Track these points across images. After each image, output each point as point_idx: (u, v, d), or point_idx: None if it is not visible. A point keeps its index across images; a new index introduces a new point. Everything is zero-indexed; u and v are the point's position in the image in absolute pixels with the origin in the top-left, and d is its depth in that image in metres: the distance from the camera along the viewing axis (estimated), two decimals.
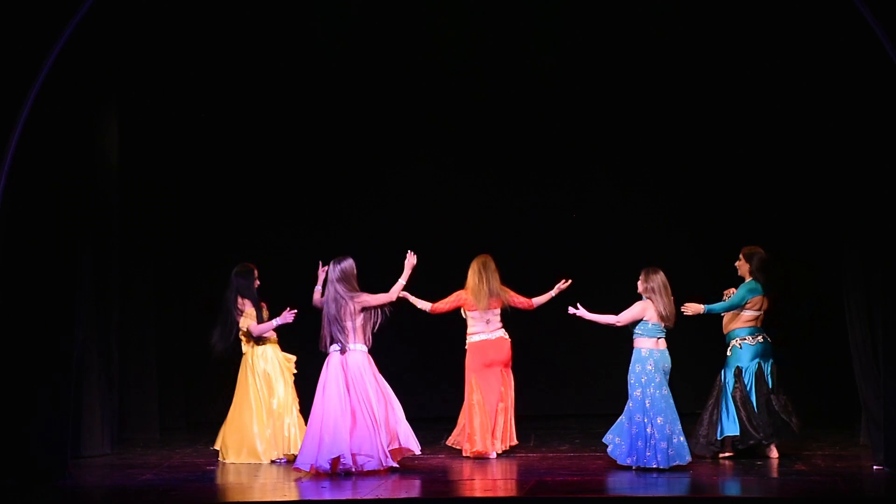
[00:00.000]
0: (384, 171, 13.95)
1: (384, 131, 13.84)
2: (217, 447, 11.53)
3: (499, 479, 10.66)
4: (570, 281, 11.37)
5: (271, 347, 11.56)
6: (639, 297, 10.75)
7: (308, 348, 11.14)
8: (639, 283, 10.74)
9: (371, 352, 10.81)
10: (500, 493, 10.17)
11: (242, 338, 11.54)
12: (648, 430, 10.60)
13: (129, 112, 12.51)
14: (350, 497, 9.83)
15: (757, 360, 11.17)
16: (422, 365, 13.55)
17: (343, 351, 10.71)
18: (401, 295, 11.31)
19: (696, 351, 12.03)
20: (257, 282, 11.58)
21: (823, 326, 13.11)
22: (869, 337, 11.01)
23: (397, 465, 10.73)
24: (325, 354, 10.78)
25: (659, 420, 10.59)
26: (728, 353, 11.23)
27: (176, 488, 10.27)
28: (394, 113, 13.76)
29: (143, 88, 12.69)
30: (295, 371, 11.59)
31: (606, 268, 13.00)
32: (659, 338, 10.73)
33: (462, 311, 11.58)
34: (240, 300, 11.47)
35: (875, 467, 10.53)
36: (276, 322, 11.35)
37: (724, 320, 11.29)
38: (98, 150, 11.88)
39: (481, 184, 13.96)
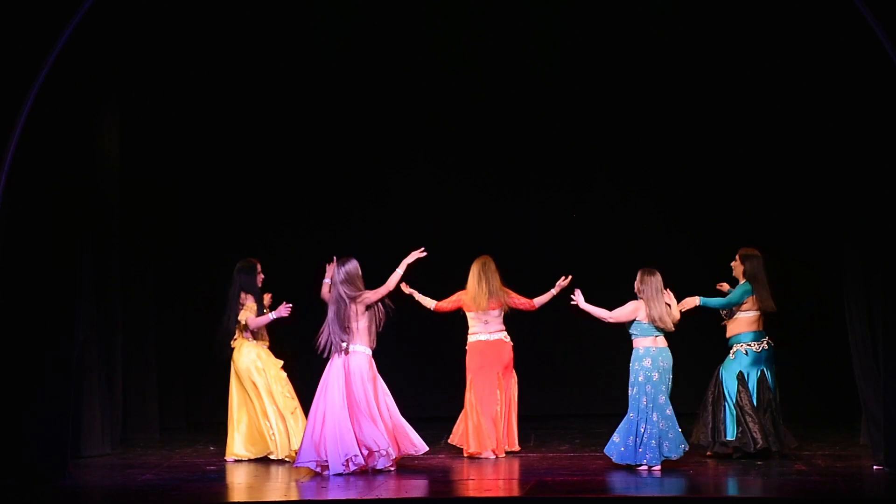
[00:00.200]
0: (384, 171, 13.95)
1: (384, 131, 13.84)
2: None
3: (499, 479, 10.66)
4: (570, 277, 11.37)
5: (256, 347, 11.52)
6: (635, 297, 10.77)
7: (308, 349, 11.16)
8: (635, 282, 10.76)
9: (373, 352, 10.81)
10: (500, 493, 10.17)
11: (238, 333, 11.52)
12: (642, 428, 10.61)
13: (129, 112, 12.50)
14: (350, 497, 9.82)
15: (760, 366, 11.17)
16: (422, 365, 13.56)
17: (346, 352, 10.70)
18: (407, 292, 11.35)
19: (697, 351, 12.02)
20: (261, 276, 11.59)
21: (823, 326, 13.10)
22: (869, 337, 11.00)
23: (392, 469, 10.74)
24: (324, 356, 10.76)
25: (654, 416, 10.60)
26: (731, 356, 11.22)
27: (176, 488, 10.27)
28: (394, 113, 13.76)
29: (143, 88, 12.69)
30: (283, 376, 11.55)
31: (606, 268, 13.00)
32: (656, 336, 10.74)
33: (463, 311, 11.59)
34: (242, 295, 11.48)
35: (875, 467, 10.53)
36: (272, 315, 11.35)
37: (728, 325, 11.27)
38: (98, 150, 11.88)
39: (481, 184, 13.96)
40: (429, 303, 11.64)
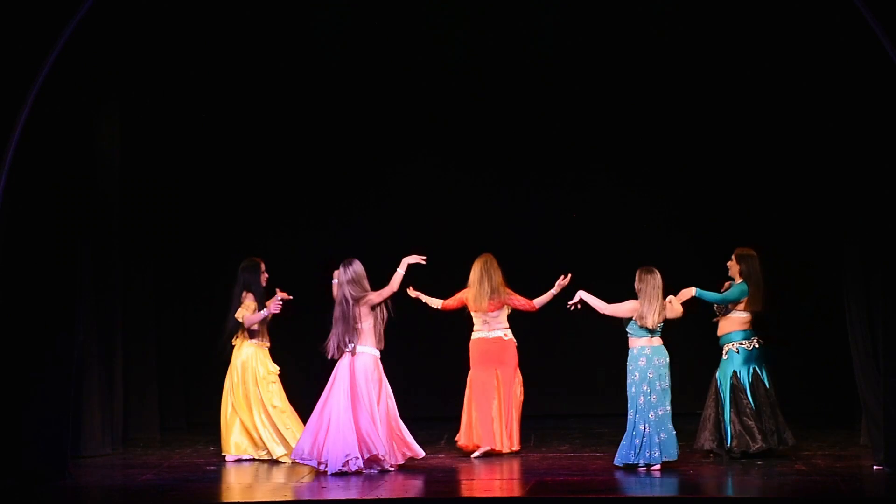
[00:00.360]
0: (384, 171, 13.95)
1: (384, 131, 13.84)
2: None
3: (499, 479, 10.66)
4: (569, 276, 11.37)
5: (255, 349, 11.52)
6: (635, 296, 10.78)
7: (308, 348, 11.15)
8: (635, 282, 10.77)
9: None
10: (500, 493, 10.17)
11: (240, 331, 11.52)
12: (642, 427, 10.62)
13: (129, 112, 12.50)
14: (350, 497, 9.82)
15: (752, 364, 11.18)
16: (423, 365, 13.54)
17: (352, 353, 10.70)
18: (414, 296, 11.37)
19: (696, 351, 12.01)
20: (265, 275, 11.59)
21: (823, 326, 13.10)
22: (869, 337, 11.01)
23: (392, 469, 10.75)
24: (331, 358, 10.77)
25: (651, 416, 10.61)
26: (724, 357, 11.24)
27: (176, 488, 10.27)
28: (394, 112, 13.76)
29: (144, 88, 12.69)
30: (273, 380, 11.54)
31: (606, 268, 12.98)
32: (652, 336, 10.74)
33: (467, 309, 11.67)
34: (243, 294, 11.48)
35: (875, 467, 10.53)
36: (263, 313, 11.36)
37: (720, 324, 11.29)
38: (98, 150, 11.88)
39: (481, 184, 13.95)
40: (436, 303, 11.72)
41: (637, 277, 10.76)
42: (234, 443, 11.49)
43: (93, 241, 11.68)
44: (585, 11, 13.19)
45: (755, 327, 11.24)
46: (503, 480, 10.65)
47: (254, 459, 11.46)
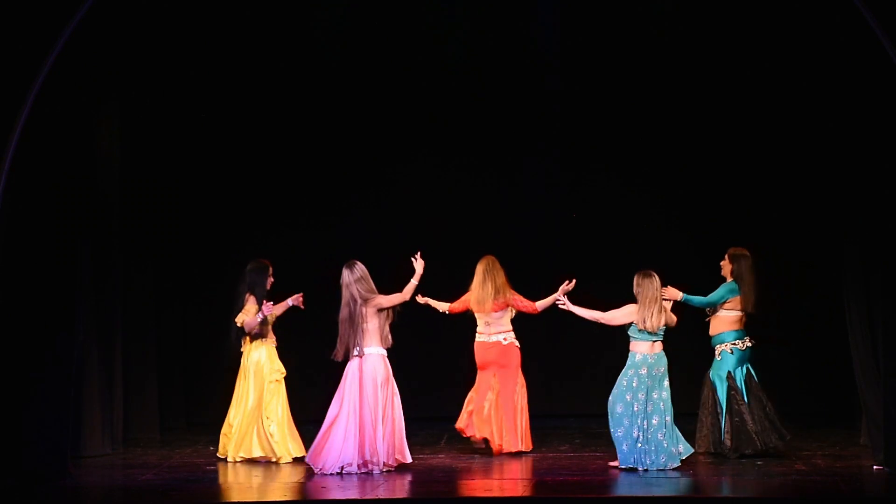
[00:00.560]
0: (384, 171, 13.94)
1: (384, 131, 13.83)
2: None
3: (499, 479, 10.66)
4: (573, 282, 11.36)
5: (265, 348, 11.51)
6: (635, 299, 10.78)
7: (307, 349, 11.15)
8: (633, 286, 10.78)
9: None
10: (500, 493, 10.17)
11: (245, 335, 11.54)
12: (635, 433, 10.62)
13: (129, 112, 12.50)
14: (350, 497, 9.83)
15: (746, 365, 11.19)
16: (423, 365, 13.54)
17: (360, 355, 10.69)
18: (423, 301, 11.39)
19: (696, 350, 12.01)
20: (271, 279, 11.57)
21: (823, 326, 13.10)
22: (869, 337, 11.01)
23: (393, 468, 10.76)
24: (339, 361, 10.79)
25: (654, 421, 10.62)
26: (717, 357, 11.25)
27: (176, 488, 10.27)
28: (394, 113, 13.75)
29: (144, 88, 12.68)
30: (276, 379, 11.52)
31: (606, 268, 12.99)
32: (654, 341, 10.74)
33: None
34: (247, 296, 11.47)
35: (875, 467, 10.53)
36: (259, 317, 11.34)
37: (711, 323, 11.30)
38: (98, 149, 11.88)
39: (481, 184, 13.95)
40: (443, 307, 11.79)
41: (635, 282, 10.76)
42: (246, 447, 11.41)
43: (93, 241, 11.68)
44: (585, 11, 13.20)
45: (746, 326, 11.25)
46: (503, 480, 10.65)
47: (253, 460, 11.45)
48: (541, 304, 11.55)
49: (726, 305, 11.23)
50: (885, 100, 10.27)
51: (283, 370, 11.52)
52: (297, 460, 11.30)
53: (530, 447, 11.63)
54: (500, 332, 11.63)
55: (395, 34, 13.36)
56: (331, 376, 11.25)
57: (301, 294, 11.48)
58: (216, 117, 13.60)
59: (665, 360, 10.77)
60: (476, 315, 11.68)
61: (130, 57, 12.06)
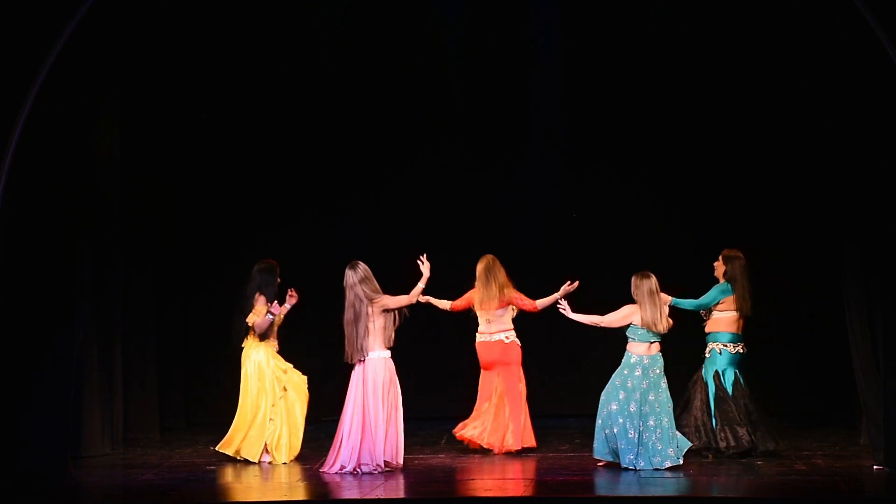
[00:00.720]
0: (384, 171, 13.93)
1: (384, 131, 13.83)
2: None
3: (499, 479, 10.66)
4: (576, 283, 11.36)
5: (265, 349, 11.50)
6: (633, 300, 10.79)
7: (308, 348, 11.15)
8: (631, 288, 10.78)
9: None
10: (500, 493, 10.17)
11: (250, 333, 11.51)
12: (631, 434, 10.62)
13: (129, 112, 12.50)
14: (350, 497, 9.83)
15: (734, 369, 11.19)
16: (424, 365, 13.54)
17: (363, 358, 10.69)
18: (423, 300, 11.39)
19: (695, 350, 12.01)
20: (278, 279, 11.57)
21: (823, 326, 13.10)
22: (869, 337, 11.01)
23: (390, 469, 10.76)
24: (348, 363, 10.81)
25: (651, 423, 10.63)
26: (707, 355, 11.25)
27: (176, 488, 10.27)
28: (394, 113, 13.75)
29: (143, 88, 12.68)
30: (284, 386, 11.52)
31: (606, 268, 12.99)
32: (652, 342, 10.75)
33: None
34: (257, 296, 11.45)
35: (875, 467, 10.53)
36: (269, 317, 11.34)
37: (707, 323, 11.30)
38: (98, 150, 11.88)
39: (481, 184, 13.94)
40: (444, 304, 11.78)
41: (633, 284, 10.77)
42: (249, 448, 11.41)
43: (93, 241, 11.68)
44: (585, 11, 13.19)
45: (743, 331, 11.23)
46: (503, 480, 10.65)
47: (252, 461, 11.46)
48: (541, 303, 11.56)
49: (720, 306, 11.22)
50: (885, 100, 10.27)
51: (286, 371, 11.50)
52: (297, 461, 11.30)
53: (534, 444, 11.63)
54: (501, 331, 11.64)
55: (395, 34, 13.36)
56: (330, 377, 11.27)
57: (292, 289, 11.48)
58: (216, 117, 13.60)
59: (661, 361, 10.78)
60: (478, 313, 11.69)
61: (130, 57, 12.06)
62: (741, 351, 11.22)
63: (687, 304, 11.17)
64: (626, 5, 13.04)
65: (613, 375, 10.80)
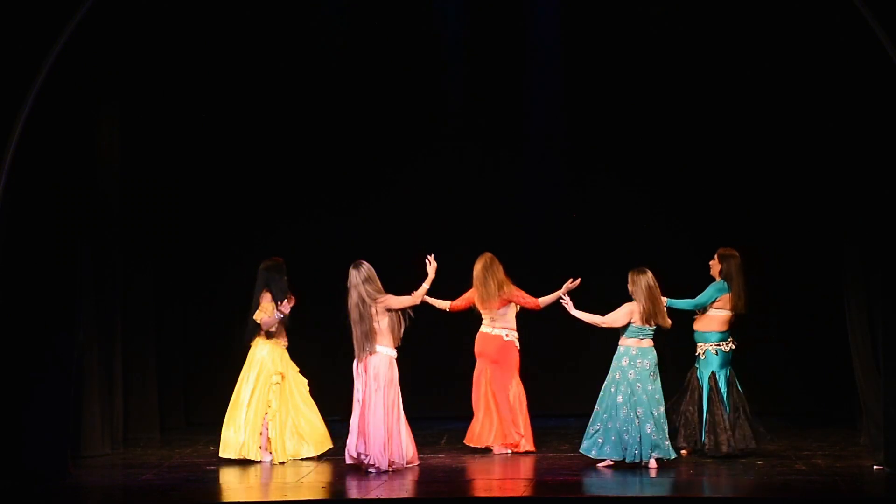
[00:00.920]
0: (384, 171, 13.94)
1: (384, 131, 13.83)
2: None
3: (498, 479, 10.66)
4: (578, 280, 11.37)
5: (272, 347, 11.51)
6: (631, 299, 10.80)
7: (306, 349, 11.14)
8: (628, 285, 10.79)
9: None
10: (500, 493, 10.17)
11: (259, 331, 11.51)
12: (610, 424, 10.67)
13: (129, 112, 12.50)
14: (350, 497, 9.83)
15: (728, 367, 11.20)
16: (424, 364, 13.54)
17: (370, 354, 10.70)
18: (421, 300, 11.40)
19: (694, 349, 12.01)
20: (286, 276, 11.57)
21: (823, 326, 13.10)
22: (869, 337, 11.01)
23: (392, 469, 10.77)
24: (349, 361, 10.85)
25: (639, 412, 10.63)
26: (701, 356, 11.24)
27: (176, 488, 10.27)
28: (394, 113, 13.75)
29: (143, 88, 12.69)
30: (277, 381, 11.50)
31: (606, 268, 12.98)
32: (642, 338, 10.76)
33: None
34: (262, 294, 11.45)
35: (875, 467, 10.53)
36: (277, 315, 11.34)
37: (698, 319, 11.29)
38: (98, 149, 11.88)
39: (481, 184, 13.95)
40: (443, 304, 11.77)
41: (630, 280, 10.78)
42: (246, 446, 11.40)
43: (93, 241, 11.68)
44: (585, 11, 13.19)
45: (732, 327, 11.24)
46: (503, 480, 10.65)
47: (252, 460, 11.46)
48: (543, 301, 11.56)
49: (715, 305, 11.22)
50: (885, 100, 10.27)
51: (284, 372, 11.49)
52: (297, 461, 11.30)
53: (532, 448, 11.63)
54: (503, 328, 11.65)
55: (395, 34, 13.36)
56: (330, 374, 11.28)
57: (290, 294, 11.49)
58: (216, 117, 13.60)
59: (652, 354, 10.77)
60: (481, 312, 11.71)
61: (130, 57, 12.07)
62: (732, 347, 11.22)
63: (683, 304, 11.17)
64: (625, 5, 13.04)
65: (610, 371, 10.84)
